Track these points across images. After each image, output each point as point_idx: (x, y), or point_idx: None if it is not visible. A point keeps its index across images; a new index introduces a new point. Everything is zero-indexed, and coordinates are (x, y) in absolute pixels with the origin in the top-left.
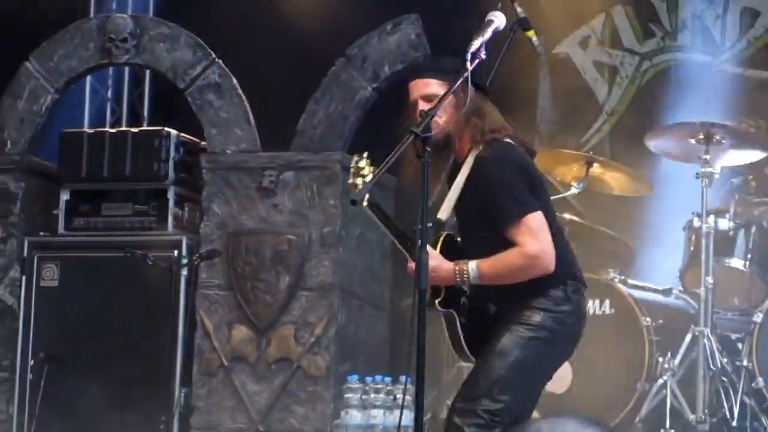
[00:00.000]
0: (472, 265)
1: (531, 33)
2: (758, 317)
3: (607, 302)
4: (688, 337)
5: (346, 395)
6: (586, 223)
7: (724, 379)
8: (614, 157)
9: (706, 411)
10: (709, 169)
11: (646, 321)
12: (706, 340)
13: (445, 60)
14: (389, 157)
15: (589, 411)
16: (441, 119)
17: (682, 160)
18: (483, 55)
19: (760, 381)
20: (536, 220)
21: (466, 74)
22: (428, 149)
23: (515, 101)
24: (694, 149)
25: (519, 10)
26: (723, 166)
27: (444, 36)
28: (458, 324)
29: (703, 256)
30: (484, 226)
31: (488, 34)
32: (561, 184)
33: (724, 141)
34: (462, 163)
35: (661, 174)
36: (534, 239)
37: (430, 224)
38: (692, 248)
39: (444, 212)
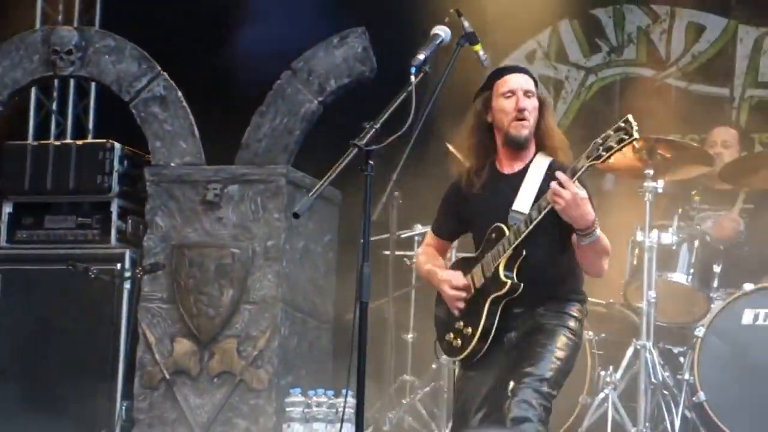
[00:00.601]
0: (598, 227)
1: (478, 47)
2: (700, 331)
3: None
4: (630, 351)
5: (288, 408)
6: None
7: (666, 392)
8: None
9: (647, 424)
10: (652, 184)
11: (588, 335)
12: (648, 354)
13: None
14: (332, 170)
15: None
16: (532, 119)
17: (626, 174)
18: (428, 69)
19: (702, 395)
20: None
21: (409, 87)
22: (371, 162)
23: (462, 115)
24: (637, 164)
25: (466, 24)
26: (667, 181)
27: (390, 49)
28: (500, 310)
29: (645, 270)
30: (551, 226)
31: (433, 47)
32: None
33: (668, 155)
34: (526, 167)
35: (606, 188)
36: None
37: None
38: (635, 262)
39: (525, 205)
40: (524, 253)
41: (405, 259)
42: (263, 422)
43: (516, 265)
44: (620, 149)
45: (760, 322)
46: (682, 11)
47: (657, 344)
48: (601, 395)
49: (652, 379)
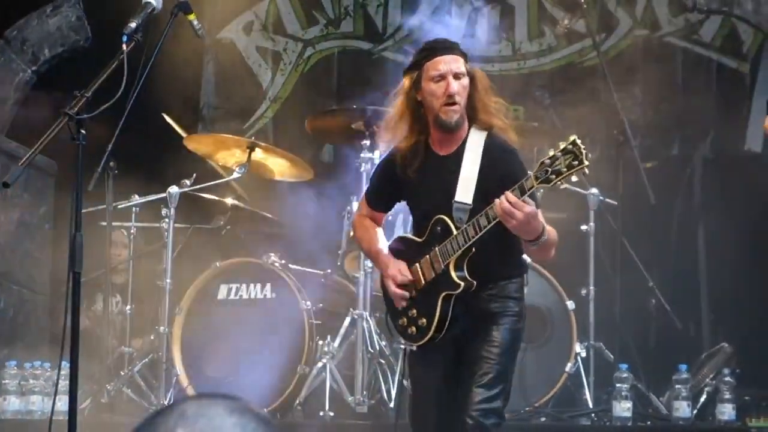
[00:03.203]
0: (547, 228)
1: (192, 17)
2: None
3: (268, 286)
4: (347, 321)
5: (4, 381)
6: (248, 208)
7: (383, 361)
8: (277, 143)
9: (364, 393)
10: (368, 155)
11: (306, 305)
12: (364, 323)
13: (457, 43)
14: (43, 138)
15: (248, 394)
16: (462, 101)
17: (344, 145)
18: (139, 37)
19: None
20: None
21: (121, 56)
22: (83, 132)
23: (178, 86)
24: (354, 135)
25: None
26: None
27: (103, 17)
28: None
29: None
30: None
31: (145, 16)
32: (223, 168)
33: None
34: (462, 146)
35: (324, 159)
36: None
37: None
38: (352, 233)
39: (467, 195)
40: (473, 250)
41: (122, 230)
42: None
43: (465, 262)
44: (569, 175)
45: None
46: None
47: (374, 313)
48: (319, 364)
49: (369, 348)
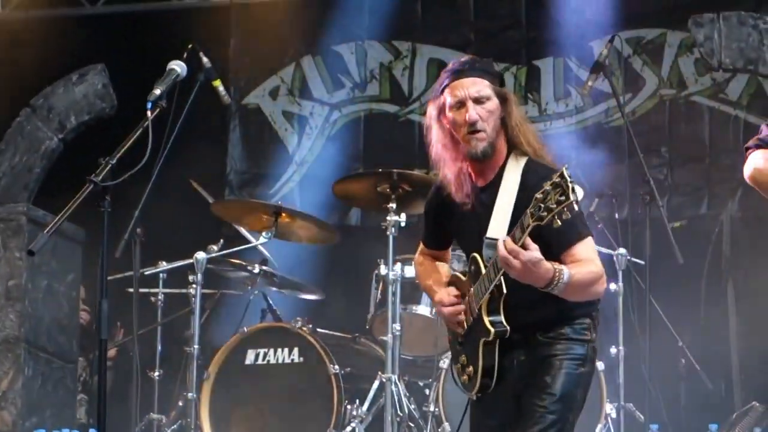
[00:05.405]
0: (565, 270)
1: (217, 83)
2: (444, 363)
3: (295, 350)
4: (376, 384)
5: None
6: (276, 272)
7: (412, 424)
8: (304, 207)
9: None
10: (394, 218)
11: (335, 369)
12: (393, 387)
13: (486, 61)
14: (68, 207)
15: None
16: (489, 127)
17: (370, 209)
18: (164, 104)
19: (447, 426)
20: (593, 242)
21: (146, 123)
22: (108, 198)
23: (205, 151)
24: (380, 198)
25: (204, 60)
26: (410, 214)
27: (130, 85)
28: (497, 349)
29: (389, 304)
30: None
31: (170, 82)
32: (250, 233)
33: (410, 189)
34: (499, 174)
35: (351, 222)
36: (598, 259)
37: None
38: (380, 296)
39: (499, 230)
40: (504, 291)
41: (150, 297)
42: None
43: (500, 305)
44: (559, 212)
45: None
46: (423, 47)
47: (402, 377)
48: (348, 429)
49: (398, 412)
